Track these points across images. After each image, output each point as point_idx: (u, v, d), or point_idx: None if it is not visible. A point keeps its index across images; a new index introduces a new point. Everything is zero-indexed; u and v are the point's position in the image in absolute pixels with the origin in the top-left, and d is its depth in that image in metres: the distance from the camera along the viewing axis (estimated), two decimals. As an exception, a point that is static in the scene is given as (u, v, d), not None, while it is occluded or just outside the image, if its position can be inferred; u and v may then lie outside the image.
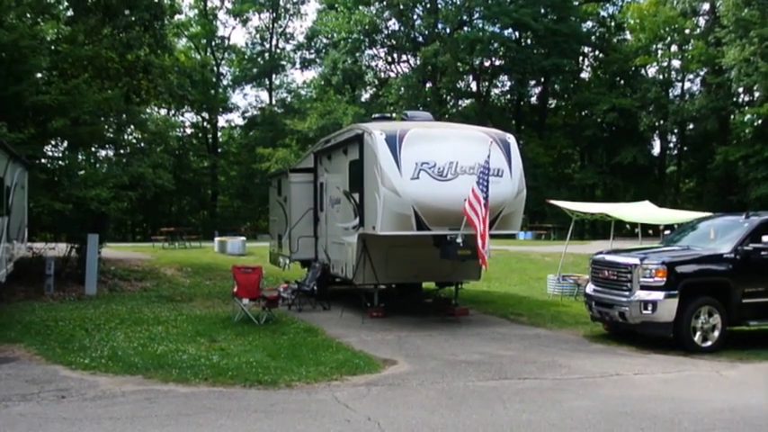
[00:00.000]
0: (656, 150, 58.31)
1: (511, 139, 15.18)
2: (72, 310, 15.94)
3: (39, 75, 21.25)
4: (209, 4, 61.06)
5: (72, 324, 13.94)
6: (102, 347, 11.72)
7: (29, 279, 18.71)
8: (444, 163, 13.85)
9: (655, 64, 54.07)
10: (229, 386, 9.41)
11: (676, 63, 53.57)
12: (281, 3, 62.56)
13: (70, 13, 24.54)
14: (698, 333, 12.31)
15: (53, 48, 22.19)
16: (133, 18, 23.41)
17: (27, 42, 18.83)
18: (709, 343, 12.32)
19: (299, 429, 7.54)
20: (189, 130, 60.76)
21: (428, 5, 57.04)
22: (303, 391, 9.28)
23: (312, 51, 63.53)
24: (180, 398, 8.82)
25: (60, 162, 21.82)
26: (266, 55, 63.62)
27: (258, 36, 64.01)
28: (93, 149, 24.53)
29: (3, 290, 16.49)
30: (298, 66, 65.37)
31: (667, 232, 19.41)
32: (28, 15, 22.00)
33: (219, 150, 62.44)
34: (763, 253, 12.58)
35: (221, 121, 63.25)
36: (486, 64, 58.53)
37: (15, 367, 10.41)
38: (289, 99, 65.46)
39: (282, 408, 8.42)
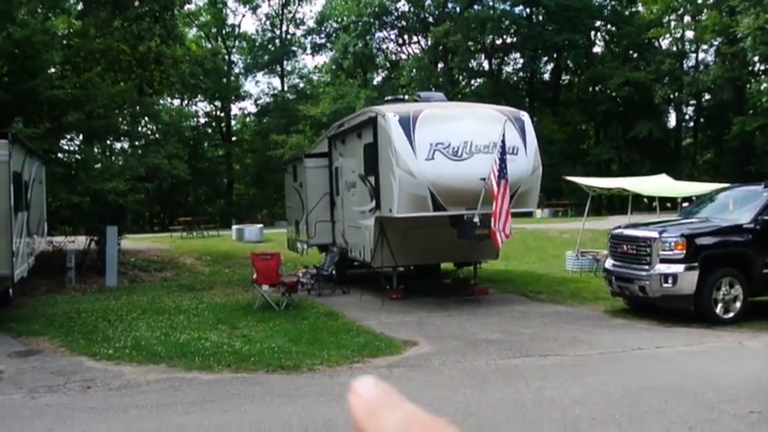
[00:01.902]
0: (672, 123, 58.00)
1: (525, 116, 15.10)
2: (94, 301, 16.08)
3: (52, 70, 21.35)
4: (219, -7, 61.04)
5: (94, 315, 14.06)
6: (126, 338, 11.82)
7: (50, 273, 18.87)
8: (459, 143, 13.80)
9: (668, 35, 53.58)
10: (252, 372, 9.48)
11: (690, 34, 53.09)
12: (290, -12, 62.43)
13: (80, 7, 24.59)
14: (719, 305, 12.26)
15: (65, 42, 22.28)
16: (143, 9, 23.43)
17: (39, 38, 18.91)
18: (730, 314, 12.27)
19: (323, 412, 7.59)
20: (202, 120, 61.01)
21: (438, -15, 56.77)
22: (325, 374, 9.33)
23: (323, 36, 63.41)
24: (204, 385, 8.90)
25: (76, 156, 21.96)
26: (277, 41, 63.54)
27: (268, 23, 63.96)
28: (108, 142, 24.67)
29: (25, 284, 16.66)
30: (309, 51, 65.38)
31: (685, 205, 19.31)
32: (39, 11, 22.05)
33: (234, 139, 62.55)
34: (783, 222, 12.49)
35: (234, 109, 63.40)
36: (498, 42, 58.24)
37: (41, 359, 10.53)
38: (301, 85, 65.48)
39: (305, 391, 8.47)
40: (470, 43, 55.71)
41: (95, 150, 22.93)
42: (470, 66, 59.20)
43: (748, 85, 46.52)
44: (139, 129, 26.15)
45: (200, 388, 8.75)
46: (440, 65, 57.64)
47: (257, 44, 63.72)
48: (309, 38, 64.40)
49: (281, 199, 31.93)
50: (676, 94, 51.82)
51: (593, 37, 60.21)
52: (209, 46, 60.46)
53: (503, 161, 13.18)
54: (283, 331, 12.20)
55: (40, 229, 18.74)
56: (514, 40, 57.56)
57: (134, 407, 7.94)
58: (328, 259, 17.76)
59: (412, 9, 58.92)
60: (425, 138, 13.72)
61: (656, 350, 10.32)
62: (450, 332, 11.99)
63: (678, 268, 12.16)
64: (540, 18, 57.11)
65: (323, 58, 74.64)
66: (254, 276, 14.72)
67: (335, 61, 59.70)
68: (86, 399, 8.39)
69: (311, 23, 63.94)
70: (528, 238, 28.04)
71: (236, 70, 63.65)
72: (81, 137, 23.09)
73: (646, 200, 27.39)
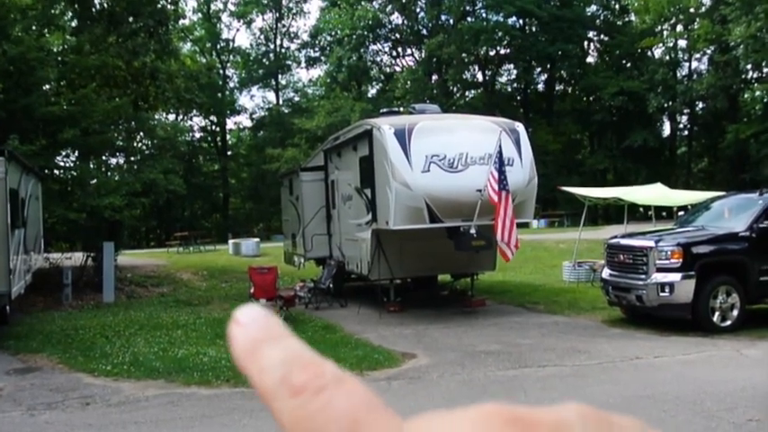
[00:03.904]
0: (666, 132, 58.08)
1: (520, 127, 15.16)
2: (91, 318, 16.05)
3: (47, 86, 21.39)
4: (213, 8, 61.19)
5: (92, 332, 14.04)
6: (124, 354, 11.80)
7: (47, 289, 18.84)
8: (454, 154, 13.84)
9: (661, 45, 53.75)
10: (251, 386, 9.42)
11: (682, 43, 53.29)
12: (284, 2, 62.54)
13: (75, 23, 24.65)
14: (716, 313, 12.29)
15: (60, 59, 22.31)
16: (138, 25, 23.48)
17: (34, 55, 18.95)
18: (728, 322, 12.30)
19: (323, 426, 7.58)
20: (198, 134, 60.96)
21: (430, -3, 56.99)
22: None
23: (317, 49, 63.50)
24: (203, 400, 8.89)
25: (72, 172, 21.94)
26: (271, 55, 63.65)
27: (262, 37, 64.09)
28: (104, 158, 24.64)
29: (22, 301, 16.63)
30: (303, 65, 65.37)
31: (681, 213, 19.35)
32: (33, 28, 22.12)
33: (229, 153, 62.57)
34: (778, 230, 12.53)
35: (230, 123, 63.38)
36: (492, 53, 58.34)
37: (39, 376, 10.51)
38: (296, 98, 65.51)
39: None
40: (464, 55, 55.85)
41: (91, 166, 22.88)
42: (464, 77, 59.32)
43: (742, 93, 46.75)
44: (135, 144, 26.14)
45: (198, 403, 8.75)
46: (434, 77, 57.78)
47: (252, 58, 63.82)
48: (304, 51, 64.57)
49: (278, 213, 31.96)
50: (670, 102, 51.96)
51: (586, 47, 60.42)
52: (204, 60, 60.51)
53: (502, 172, 13.21)
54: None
55: (37, 246, 18.72)
56: (508, 51, 57.73)
57: (133, 423, 7.94)
58: (325, 272, 17.76)
59: (405, 22, 59.13)
60: (421, 150, 13.76)
61: (655, 359, 10.34)
62: (448, 344, 11.99)
63: (675, 277, 12.19)
64: (534, 29, 57.28)
65: (317, 72, 74.59)
66: (252, 290, 14.74)
67: (330, 74, 59.79)
68: (85, 415, 8.37)
69: (305, 37, 64.12)
70: (524, 249, 27.94)
71: (231, 84, 63.77)
72: (77, 153, 23.09)
73: (641, 209, 27.45)
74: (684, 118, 57.23)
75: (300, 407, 0.42)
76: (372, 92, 61.79)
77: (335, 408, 0.41)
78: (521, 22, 57.18)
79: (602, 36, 59.77)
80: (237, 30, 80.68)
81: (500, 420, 0.42)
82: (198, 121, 60.23)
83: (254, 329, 0.45)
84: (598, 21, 59.38)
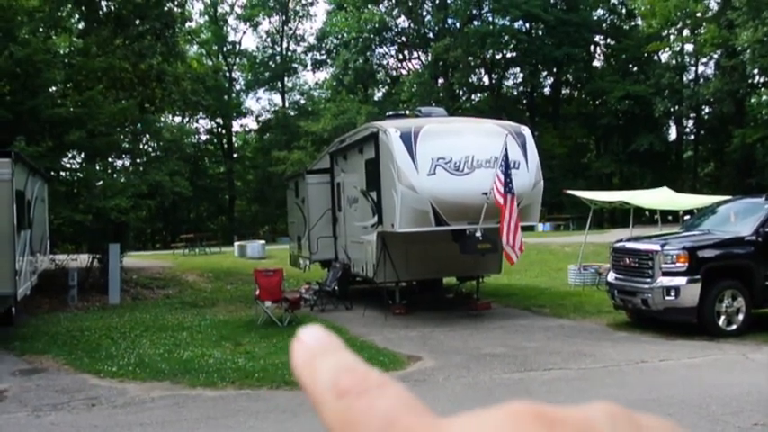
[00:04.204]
0: (673, 136, 57.93)
1: (526, 131, 15.16)
2: (97, 319, 16.09)
3: (54, 88, 21.45)
4: (220, 10, 61.28)
5: (98, 333, 14.07)
6: (129, 355, 11.83)
7: (53, 290, 18.89)
8: (460, 157, 13.84)
9: (667, 49, 53.62)
10: (256, 388, 9.48)
11: (689, 47, 53.13)
12: (291, 5, 62.63)
13: (82, 25, 24.73)
14: (722, 317, 12.26)
15: (67, 61, 22.37)
16: (145, 28, 23.55)
17: (41, 57, 19.01)
18: (733, 326, 12.27)
19: (328, 428, 7.58)
20: (204, 137, 61.03)
21: (437, 1, 56.97)
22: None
23: (323, 52, 63.54)
24: (208, 401, 8.90)
25: (78, 174, 22.00)
26: (277, 58, 63.71)
27: (269, 39, 64.13)
28: (110, 160, 24.73)
29: (28, 302, 16.67)
30: (309, 67, 65.44)
31: (687, 217, 19.32)
32: (41, 30, 22.18)
33: (235, 155, 62.61)
34: (784, 234, 12.50)
35: (236, 125, 63.43)
36: (498, 57, 58.31)
37: (45, 377, 10.53)
38: (302, 101, 65.57)
39: (310, 407, 8.39)
40: (470, 58, 55.81)
41: (97, 168, 22.95)
42: (471, 81, 59.27)
43: (749, 98, 46.63)
44: (141, 146, 26.21)
45: (204, 405, 8.76)
46: (440, 80, 57.77)
47: (258, 61, 63.88)
48: (310, 54, 64.60)
49: (283, 215, 32.03)
50: (676, 107, 51.85)
51: (592, 51, 60.36)
52: (210, 63, 60.64)
53: (508, 176, 13.21)
54: (287, 347, 11.97)
55: (43, 248, 18.77)
56: (514, 54, 57.69)
57: (139, 424, 7.95)
58: (331, 275, 17.77)
59: (412, 25, 59.14)
60: (427, 153, 13.77)
61: (660, 363, 10.32)
62: (453, 347, 11.99)
63: (680, 281, 12.17)
64: (540, 33, 57.23)
65: (323, 75, 74.93)
66: (257, 293, 14.73)
67: (336, 77, 59.83)
68: (91, 417, 8.39)
69: (312, 40, 64.15)
70: (530, 252, 27.97)
71: (237, 87, 63.82)
72: (83, 155, 23.15)
73: (647, 213, 27.39)
74: (691, 122, 57.13)
75: (345, 408, 0.45)
76: (378, 95, 61.83)
77: (376, 408, 0.44)
78: (527, 25, 57.17)
79: (608, 40, 59.71)
80: (244, 32, 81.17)
81: (529, 418, 0.43)
82: (204, 123, 60.37)
83: (312, 344, 0.49)
84: (604, 25, 59.35)
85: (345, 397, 0.45)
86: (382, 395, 0.45)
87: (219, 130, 61.98)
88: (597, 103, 57.88)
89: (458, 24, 56.63)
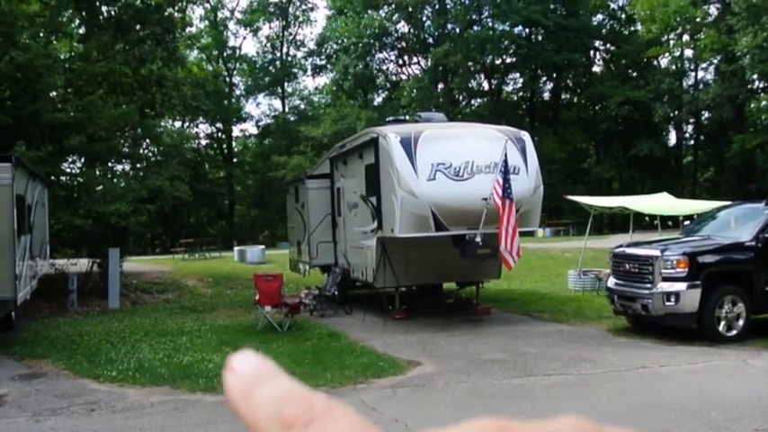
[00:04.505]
0: (672, 141, 58.00)
1: (525, 136, 15.17)
2: (96, 324, 16.07)
3: (54, 93, 21.45)
4: (220, 16, 61.39)
5: (97, 338, 14.06)
6: (129, 360, 11.82)
7: (53, 295, 18.87)
8: (460, 163, 13.85)
9: (667, 54, 53.71)
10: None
11: (689, 52, 53.21)
12: (291, 11, 62.74)
13: (82, 30, 24.75)
14: (722, 322, 12.26)
15: (67, 66, 22.40)
16: (145, 33, 23.56)
17: (42, 62, 19.03)
18: (733, 332, 12.26)
19: (328, 433, 7.58)
20: (204, 142, 61.13)
21: (437, 6, 57.06)
22: (329, 395, 9.28)
23: (323, 57, 63.58)
24: (208, 407, 8.89)
25: (79, 178, 22.01)
26: (278, 63, 63.78)
27: (269, 45, 64.20)
28: (110, 164, 24.73)
29: (28, 307, 16.65)
30: (309, 72, 65.50)
31: (687, 223, 19.34)
32: (41, 35, 22.21)
33: (235, 160, 62.66)
34: (784, 240, 12.51)
35: (235, 130, 63.50)
36: (498, 62, 58.37)
37: (44, 382, 10.52)
38: (302, 106, 65.65)
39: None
40: (470, 63, 55.89)
41: (97, 173, 22.96)
42: (470, 86, 59.37)
43: (749, 103, 46.70)
44: (141, 151, 26.21)
45: (204, 410, 8.75)
46: (440, 85, 57.83)
47: (258, 66, 63.96)
48: (310, 59, 64.66)
49: (283, 220, 32.03)
50: (676, 112, 51.92)
51: (592, 56, 60.46)
52: (211, 68, 60.73)
53: (507, 181, 13.22)
54: (286, 352, 12.19)
55: (43, 252, 18.76)
56: (514, 60, 57.77)
57: (138, 429, 7.94)
58: (330, 280, 17.77)
59: (412, 30, 59.21)
60: (427, 158, 13.78)
61: (660, 368, 10.31)
62: (453, 352, 11.98)
63: (680, 286, 12.17)
64: (540, 38, 57.31)
65: (323, 80, 74.83)
66: (257, 297, 14.72)
67: (336, 82, 59.89)
68: (91, 421, 8.38)
69: (312, 45, 64.21)
70: (530, 258, 28.00)
71: (237, 92, 63.91)
72: (83, 159, 23.15)
73: (647, 218, 27.40)
74: (690, 127, 57.17)
75: None
76: (378, 100, 61.89)
77: None
78: (527, 31, 57.24)
79: (608, 45, 59.82)
80: (244, 38, 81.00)
81: None
82: (204, 128, 60.47)
83: (247, 373, 0.47)
84: (604, 30, 59.45)
85: (292, 429, 0.43)
86: (331, 422, 0.43)
87: (219, 134, 62.05)
88: (597, 108, 57.96)
89: (457, 29, 56.69)
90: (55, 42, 23.46)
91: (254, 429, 0.45)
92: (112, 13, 23.64)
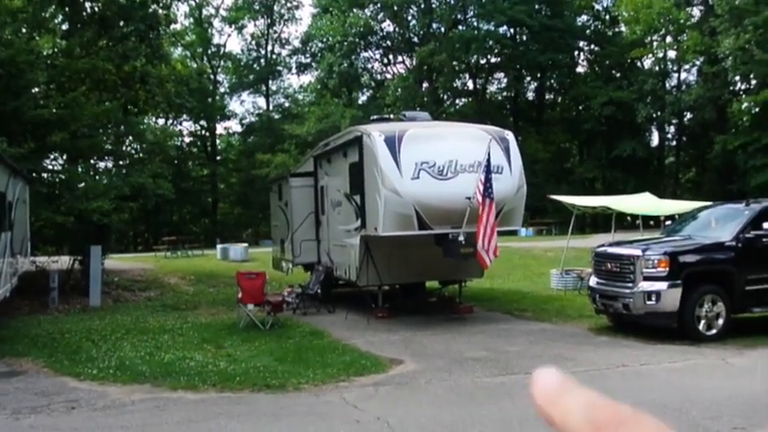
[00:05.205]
0: (655, 142, 58.37)
1: (509, 135, 15.21)
2: (77, 321, 15.98)
3: (37, 89, 21.31)
4: (205, 13, 61.15)
5: (78, 336, 13.98)
6: (110, 358, 11.76)
7: (33, 293, 18.74)
8: (444, 162, 13.88)
9: (650, 55, 54.02)
10: (238, 391, 9.45)
11: (672, 54, 53.56)
12: (276, 9, 62.57)
13: (66, 26, 24.59)
14: (702, 322, 12.34)
15: (50, 62, 22.25)
16: (129, 29, 23.44)
17: (24, 58, 18.90)
18: (713, 331, 12.35)
19: (309, 431, 7.58)
20: (187, 139, 60.81)
21: (422, 6, 57.12)
22: (311, 393, 9.32)
23: (308, 56, 63.50)
24: (189, 404, 8.87)
25: (61, 175, 21.86)
26: (262, 61, 63.64)
27: (254, 42, 64.04)
28: (92, 162, 24.58)
29: (8, 304, 16.53)
30: (294, 71, 65.34)
31: (668, 223, 19.45)
32: (24, 30, 22.05)
33: (218, 158, 62.46)
34: (764, 240, 12.60)
35: (219, 128, 63.28)
36: (482, 62, 58.51)
37: (24, 380, 10.45)
38: (286, 104, 65.48)
39: (291, 410, 8.46)
40: (455, 63, 55.99)
41: (80, 170, 22.84)
42: (455, 85, 59.47)
43: (731, 105, 47.05)
44: (124, 148, 26.07)
45: (185, 408, 8.72)
46: (425, 84, 57.91)
47: (242, 64, 63.78)
48: (294, 58, 64.54)
49: (267, 218, 31.95)
50: (659, 113, 52.24)
51: (576, 57, 60.71)
52: (195, 65, 60.46)
53: (488, 180, 13.25)
54: (269, 350, 12.18)
55: (24, 249, 18.63)
56: (499, 59, 57.96)
57: (119, 427, 7.91)
58: (314, 278, 17.75)
59: (397, 29, 59.25)
60: (411, 157, 13.79)
61: (641, 367, 10.37)
62: (435, 350, 12.00)
63: (661, 286, 12.24)
64: (524, 38, 57.50)
65: (308, 78, 74.75)
66: (240, 296, 14.69)
67: (321, 81, 59.83)
68: (71, 419, 8.33)
69: (296, 43, 64.11)
70: (513, 257, 28.11)
71: (222, 90, 63.71)
72: (65, 156, 23.01)
73: (629, 218, 27.53)
74: (673, 128, 57.55)
75: None
76: (363, 99, 61.87)
77: None
78: (512, 31, 57.42)
79: (592, 46, 60.09)
80: (229, 35, 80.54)
81: None
82: (188, 125, 60.18)
83: (553, 382, 0.54)
84: (588, 31, 59.71)
85: (603, 429, 0.48)
86: (640, 425, 0.48)
87: (203, 132, 61.80)
88: (580, 108, 58.23)
89: (443, 29, 56.77)
90: (38, 38, 23.29)
91: (563, 428, 0.51)
92: (96, 9, 23.49)
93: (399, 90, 55.34)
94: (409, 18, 58.86)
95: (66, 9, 23.49)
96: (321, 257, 18.39)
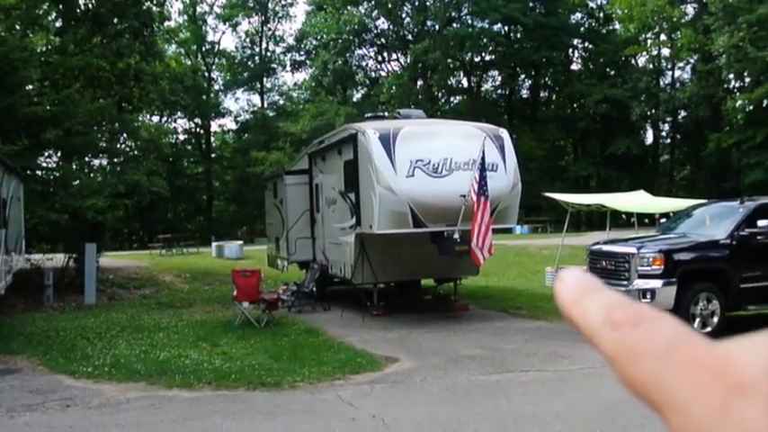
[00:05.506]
0: (649, 139, 58.41)
1: (504, 133, 15.23)
2: (72, 319, 15.96)
3: (30, 86, 21.26)
4: (199, 10, 60.96)
5: (73, 333, 13.96)
6: (105, 356, 11.74)
7: (28, 290, 18.70)
8: (439, 160, 13.89)
9: (644, 53, 54.09)
10: (233, 389, 9.45)
11: (666, 52, 53.61)
12: (270, 6, 62.46)
13: (59, 23, 24.53)
14: (697, 320, 12.37)
15: (44, 59, 22.19)
16: (123, 26, 23.39)
17: (18, 55, 18.83)
18: (708, 329, 12.36)
19: (305, 429, 7.58)
20: (182, 137, 60.67)
21: (416, 3, 57.06)
22: (307, 391, 9.32)
23: (302, 53, 63.40)
24: (185, 402, 8.86)
25: (55, 173, 21.81)
26: (256, 58, 63.53)
27: (248, 40, 63.91)
28: (86, 159, 24.52)
29: (2, 302, 16.49)
30: (288, 68, 65.25)
31: (663, 220, 19.50)
32: (17, 27, 21.98)
33: (213, 155, 62.31)
34: (759, 237, 12.64)
35: (214, 126, 63.12)
36: (477, 59, 58.54)
37: (19, 378, 10.43)
38: (281, 102, 65.37)
39: (287, 408, 8.46)
40: (449, 61, 55.97)
41: (74, 167, 22.77)
42: (449, 83, 59.47)
43: (725, 102, 47.12)
44: (118, 145, 25.98)
45: (180, 406, 8.71)
46: (419, 82, 57.87)
47: (237, 61, 63.66)
48: (289, 55, 64.43)
49: (261, 216, 31.89)
50: (653, 110, 52.27)
51: (570, 54, 60.75)
52: (189, 63, 60.32)
53: (483, 178, 13.26)
54: (264, 348, 12.17)
55: (18, 247, 18.58)
56: (493, 57, 57.94)
57: (114, 425, 7.90)
58: (309, 276, 17.74)
59: (391, 27, 59.20)
60: (405, 155, 13.79)
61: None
62: (430, 348, 12.01)
63: (656, 283, 12.27)
64: (519, 36, 57.53)
65: (302, 75, 75.05)
66: (235, 293, 14.68)
67: (315, 78, 59.77)
68: (66, 417, 8.32)
69: (291, 41, 63.99)
70: (508, 255, 28.13)
71: (216, 87, 63.53)
72: (59, 154, 22.97)
73: (624, 216, 27.60)
74: (667, 126, 57.63)
75: (622, 338, 0.48)
76: (357, 96, 61.81)
77: (655, 335, 0.48)
78: (506, 28, 57.41)
79: (586, 44, 60.10)
80: (223, 32, 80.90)
81: None
82: (182, 123, 60.06)
83: (576, 284, 0.53)
84: (583, 29, 59.72)
85: (621, 329, 0.49)
86: (658, 326, 0.48)
87: (198, 129, 61.68)
88: (575, 106, 58.27)
89: (437, 27, 56.73)
90: (31, 35, 23.23)
91: (584, 329, 0.52)
92: (89, 6, 23.43)
93: (394, 88, 55.28)
94: (403, 15, 58.80)
95: (60, 6, 23.43)
96: (316, 255, 18.38)
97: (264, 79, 63.94)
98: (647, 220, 24.45)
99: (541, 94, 62.27)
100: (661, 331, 0.48)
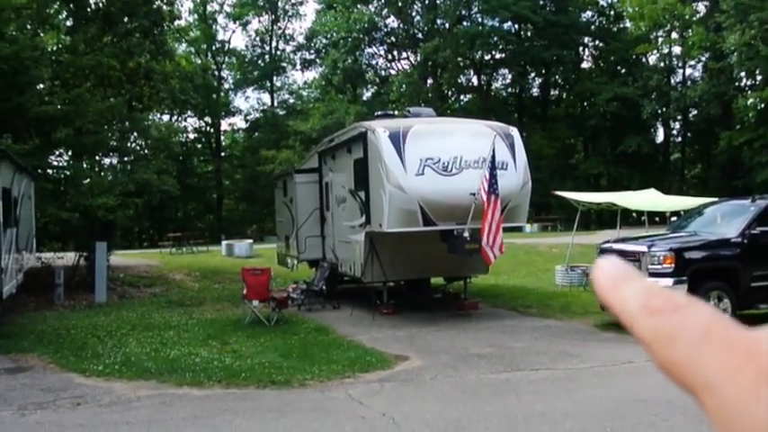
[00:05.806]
0: (660, 138, 58.25)
1: (514, 131, 15.20)
2: (83, 318, 16.01)
3: (41, 85, 21.34)
4: (209, 9, 61.09)
5: (84, 332, 14.01)
6: (115, 354, 11.78)
7: (39, 289, 18.77)
8: (449, 158, 13.87)
9: (655, 51, 53.87)
10: (243, 387, 9.46)
11: (677, 50, 53.38)
12: (280, 4, 62.54)
13: (70, 22, 24.61)
14: (708, 318, 12.30)
15: (54, 58, 22.27)
16: (133, 25, 23.45)
17: (29, 54, 18.90)
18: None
19: (315, 427, 7.58)
20: (192, 135, 60.86)
21: (427, 2, 57.03)
22: (317, 389, 9.32)
23: (312, 52, 63.46)
24: (195, 401, 8.88)
25: (65, 171, 21.90)
26: (266, 57, 63.62)
27: (258, 38, 64.04)
28: (97, 158, 24.62)
29: (14, 300, 16.57)
30: (298, 67, 65.33)
31: (674, 219, 19.43)
32: (28, 27, 22.06)
33: (223, 154, 62.44)
34: (770, 236, 12.58)
35: (224, 124, 63.25)
36: (487, 58, 58.48)
37: (30, 376, 10.47)
38: (291, 100, 65.47)
39: (297, 407, 8.46)
40: (459, 59, 55.89)
41: (84, 166, 22.86)
42: (459, 81, 59.39)
43: (736, 100, 46.92)
44: (129, 144, 26.08)
45: (191, 404, 8.73)
46: (429, 80, 57.83)
47: (247, 60, 63.77)
48: (299, 54, 64.50)
49: (271, 214, 31.94)
50: (664, 109, 52.08)
51: (581, 53, 60.58)
52: (199, 62, 60.43)
53: (493, 176, 13.24)
54: (274, 347, 12.18)
55: (29, 245, 18.66)
56: (503, 55, 57.85)
57: (125, 423, 7.92)
58: (318, 274, 17.75)
59: (401, 25, 59.16)
60: (415, 153, 13.78)
61: (646, 363, 10.31)
62: (440, 346, 11.99)
63: (667, 282, 12.20)
64: (529, 34, 57.43)
65: (312, 74, 75.00)
66: (245, 292, 14.69)
67: (325, 77, 59.80)
68: (77, 416, 8.35)
69: (301, 39, 64.04)
70: (517, 253, 28.07)
71: (226, 86, 63.65)
72: (70, 153, 23.05)
73: (635, 214, 27.50)
74: (678, 124, 57.42)
75: (660, 324, 0.50)
76: (367, 95, 61.84)
77: (690, 321, 0.49)
78: (516, 27, 57.34)
79: (596, 42, 59.94)
80: (233, 31, 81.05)
81: None
82: (192, 122, 60.23)
83: (613, 272, 0.55)
84: (593, 27, 59.56)
85: (658, 315, 0.50)
86: (694, 312, 0.50)
87: (208, 128, 61.82)
88: (585, 104, 58.13)
89: (447, 25, 56.68)
90: (42, 34, 23.31)
91: (622, 315, 0.53)
92: (100, 5, 23.50)
93: (404, 86, 55.27)
94: (413, 14, 58.76)
95: (71, 5, 23.53)
96: (326, 254, 18.38)
97: (274, 78, 64.05)
98: (657, 219, 24.38)
99: (552, 93, 62.14)
100: (696, 317, 0.49)
